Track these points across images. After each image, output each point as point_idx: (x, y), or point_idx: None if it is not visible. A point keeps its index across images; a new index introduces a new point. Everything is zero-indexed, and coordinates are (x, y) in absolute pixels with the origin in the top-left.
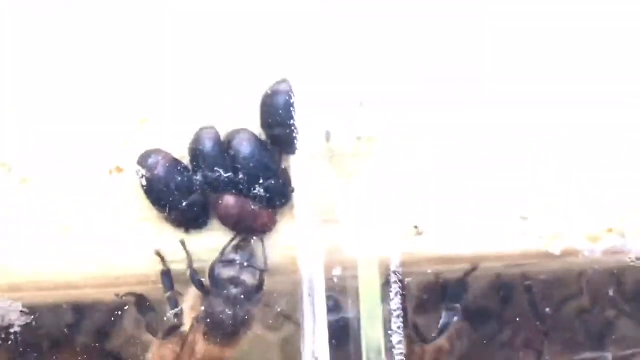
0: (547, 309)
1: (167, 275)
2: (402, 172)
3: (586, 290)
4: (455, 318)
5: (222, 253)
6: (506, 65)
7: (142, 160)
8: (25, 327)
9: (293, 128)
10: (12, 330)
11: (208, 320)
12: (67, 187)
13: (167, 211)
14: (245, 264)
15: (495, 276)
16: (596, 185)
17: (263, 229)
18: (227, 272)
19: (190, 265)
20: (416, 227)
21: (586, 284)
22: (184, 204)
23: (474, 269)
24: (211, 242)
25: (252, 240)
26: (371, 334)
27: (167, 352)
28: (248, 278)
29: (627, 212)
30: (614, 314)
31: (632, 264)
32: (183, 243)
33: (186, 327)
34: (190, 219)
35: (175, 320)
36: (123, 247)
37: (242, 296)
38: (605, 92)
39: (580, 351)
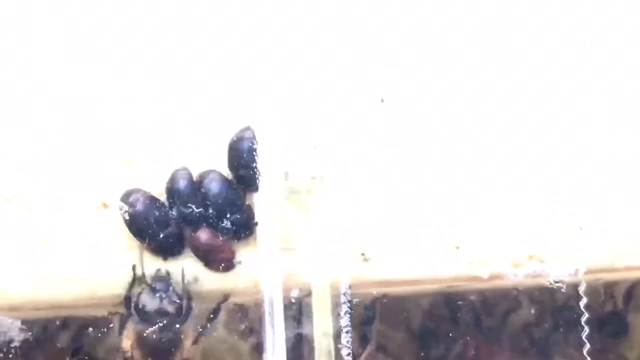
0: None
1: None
2: (351, 206)
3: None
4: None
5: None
6: (435, 105)
7: (125, 198)
8: (24, 341)
9: (256, 169)
10: (12, 345)
11: (140, 348)
12: (61, 220)
13: (147, 241)
14: (164, 295)
15: (437, 297)
16: (518, 218)
17: (227, 261)
18: (150, 303)
19: (129, 291)
20: (363, 254)
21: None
22: (161, 235)
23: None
24: (186, 268)
25: (167, 272)
26: (324, 347)
27: None
28: (170, 307)
29: (545, 241)
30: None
31: (550, 286)
32: (134, 268)
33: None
34: (167, 248)
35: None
36: (109, 272)
37: (166, 323)
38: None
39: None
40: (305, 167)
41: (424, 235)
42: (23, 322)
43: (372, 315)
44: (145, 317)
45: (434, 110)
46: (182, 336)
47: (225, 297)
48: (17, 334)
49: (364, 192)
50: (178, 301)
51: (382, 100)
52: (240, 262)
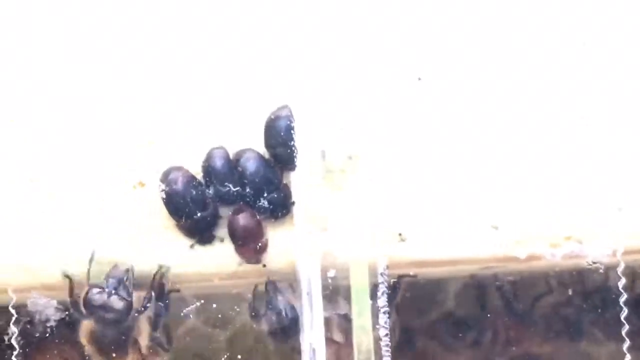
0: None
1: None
2: (387, 186)
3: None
4: None
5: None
6: (479, 84)
7: (164, 176)
8: (60, 321)
9: (293, 148)
10: (48, 325)
11: (95, 344)
12: (97, 199)
13: (183, 220)
14: (113, 292)
15: (468, 281)
16: (556, 198)
17: (256, 250)
18: (97, 299)
19: (71, 290)
20: (400, 234)
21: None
22: (199, 215)
23: None
24: (215, 257)
25: (121, 268)
26: (361, 327)
27: None
28: (117, 302)
29: (583, 221)
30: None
31: (588, 267)
32: (91, 259)
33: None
34: (202, 228)
35: None
36: (145, 252)
37: (114, 319)
38: (565, 110)
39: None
40: (342, 146)
41: (461, 215)
42: (59, 301)
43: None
44: (92, 312)
45: (471, 88)
46: (135, 332)
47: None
48: (53, 313)
49: (401, 172)
50: (128, 298)
51: (419, 79)
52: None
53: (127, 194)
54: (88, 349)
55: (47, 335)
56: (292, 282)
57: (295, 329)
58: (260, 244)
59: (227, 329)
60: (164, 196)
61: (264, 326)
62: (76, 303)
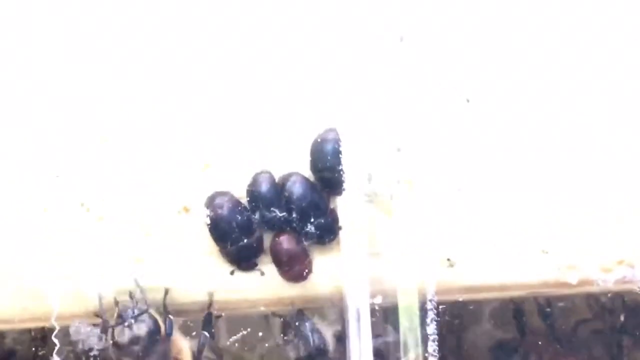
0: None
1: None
2: (436, 211)
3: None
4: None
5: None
6: (529, 107)
7: (209, 201)
8: (103, 350)
9: (340, 172)
10: (91, 354)
11: None
12: (139, 225)
13: (228, 246)
14: (132, 320)
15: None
16: (608, 222)
17: (302, 273)
18: (123, 337)
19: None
20: (449, 259)
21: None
22: (245, 240)
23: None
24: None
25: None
26: (411, 356)
27: None
28: (142, 330)
29: (636, 245)
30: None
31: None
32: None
33: None
34: (246, 255)
35: None
36: (189, 277)
37: (145, 348)
38: (620, 132)
39: None
40: (390, 171)
41: (510, 240)
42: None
43: None
44: (124, 350)
45: (521, 111)
46: (167, 353)
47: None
48: (96, 342)
49: (449, 196)
50: (149, 320)
51: (467, 101)
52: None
53: (172, 219)
54: None
55: None
56: (323, 310)
57: (322, 357)
58: (305, 266)
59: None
60: (209, 222)
61: (291, 352)
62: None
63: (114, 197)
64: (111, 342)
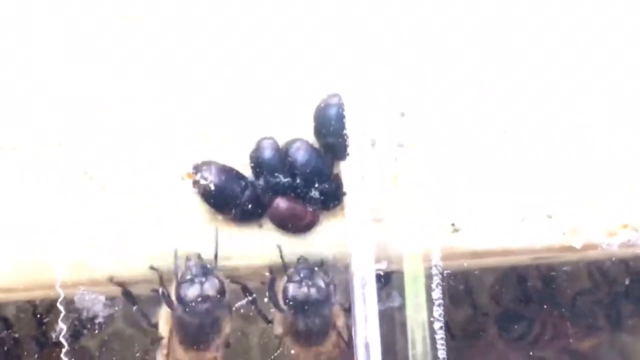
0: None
1: (128, 295)
2: (440, 176)
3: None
4: None
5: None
6: (530, 71)
7: (197, 170)
8: (108, 317)
9: (344, 137)
10: (97, 321)
11: (181, 331)
12: (141, 193)
13: (226, 212)
14: (203, 279)
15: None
16: (612, 186)
17: (307, 228)
18: (190, 291)
19: (161, 285)
20: (453, 224)
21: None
22: (238, 204)
23: None
24: (263, 242)
25: (199, 257)
26: (415, 321)
27: (160, 358)
28: (210, 290)
29: None
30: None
31: None
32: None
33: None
34: (245, 218)
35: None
36: (193, 243)
37: (208, 308)
38: (622, 96)
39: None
40: (394, 135)
41: (515, 205)
42: (107, 297)
43: None
44: (189, 306)
45: (525, 74)
46: (221, 320)
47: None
48: (101, 309)
49: (453, 161)
50: (218, 283)
51: (471, 63)
52: None
53: (174, 186)
54: (170, 339)
55: (95, 332)
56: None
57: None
58: (309, 218)
59: None
60: (201, 191)
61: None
62: (166, 295)
63: (117, 169)
64: (175, 297)
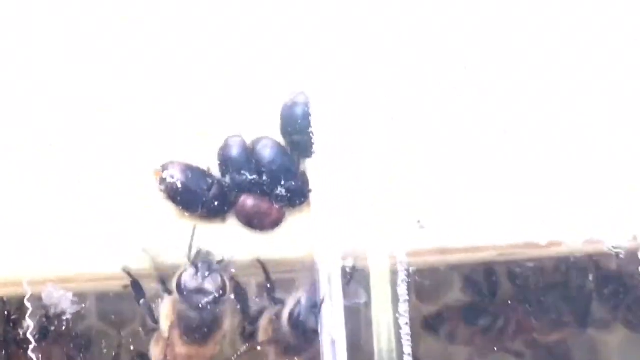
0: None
1: (137, 286)
2: (406, 175)
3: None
4: None
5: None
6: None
7: (162, 170)
8: (76, 314)
9: (311, 135)
10: (64, 318)
11: (182, 326)
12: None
13: (193, 210)
14: (207, 274)
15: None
16: (576, 183)
17: (273, 225)
18: (191, 283)
19: (158, 273)
20: (419, 221)
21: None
22: (205, 201)
23: None
24: (228, 236)
25: (209, 254)
26: (381, 317)
27: (158, 353)
28: (211, 286)
29: (604, 206)
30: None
31: (608, 251)
32: (192, 236)
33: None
34: (212, 215)
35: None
36: (163, 243)
37: (208, 303)
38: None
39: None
40: (360, 134)
41: (480, 202)
42: (75, 294)
43: None
44: (186, 296)
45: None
46: (222, 316)
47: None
48: (69, 306)
49: (418, 162)
50: (220, 281)
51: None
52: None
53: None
54: (169, 334)
55: (63, 329)
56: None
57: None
58: (275, 215)
59: None
60: (166, 191)
61: None
62: (163, 282)
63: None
64: (175, 284)
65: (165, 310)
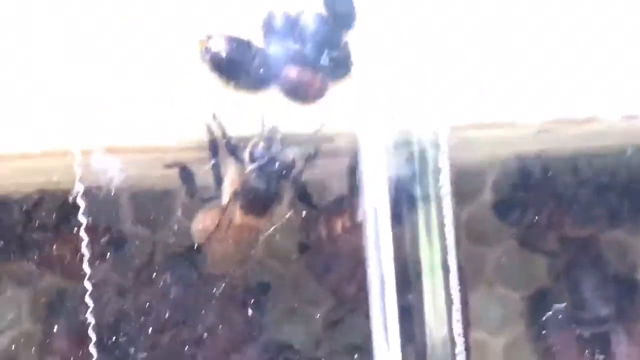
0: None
1: (213, 144)
2: (448, 48)
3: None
4: None
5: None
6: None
7: (207, 39)
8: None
9: (353, 5)
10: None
11: (245, 195)
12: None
13: (235, 80)
14: (280, 148)
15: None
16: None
17: (316, 95)
18: (264, 154)
19: (224, 136)
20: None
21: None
22: (249, 71)
23: None
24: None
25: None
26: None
27: (208, 221)
28: (282, 157)
29: None
30: None
31: None
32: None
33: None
34: (256, 85)
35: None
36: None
37: (277, 173)
38: None
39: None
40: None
41: (518, 77)
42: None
43: None
44: (257, 167)
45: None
46: (283, 191)
47: None
48: (117, 173)
49: (462, 32)
50: (291, 158)
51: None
52: None
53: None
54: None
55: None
56: None
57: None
58: (320, 83)
59: None
60: (209, 60)
61: None
62: (233, 149)
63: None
64: (248, 152)
65: (231, 177)
